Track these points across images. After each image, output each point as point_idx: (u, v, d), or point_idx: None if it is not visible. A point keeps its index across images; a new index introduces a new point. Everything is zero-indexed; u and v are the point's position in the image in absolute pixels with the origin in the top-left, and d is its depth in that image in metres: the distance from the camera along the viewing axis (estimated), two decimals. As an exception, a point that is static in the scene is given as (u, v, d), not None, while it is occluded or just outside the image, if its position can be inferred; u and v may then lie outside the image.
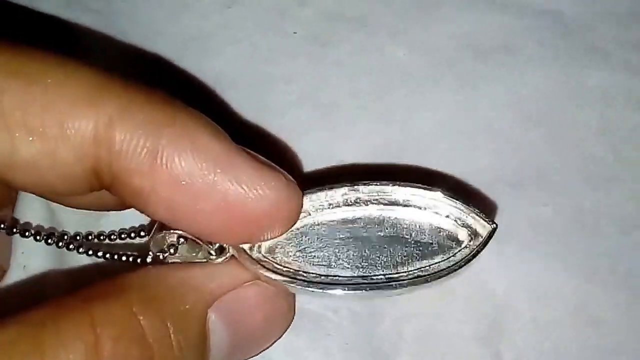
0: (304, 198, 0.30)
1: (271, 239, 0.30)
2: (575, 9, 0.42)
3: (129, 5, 0.40)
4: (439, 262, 0.30)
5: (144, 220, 0.33)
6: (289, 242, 0.30)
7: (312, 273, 0.30)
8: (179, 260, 0.30)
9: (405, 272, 0.30)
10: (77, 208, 0.32)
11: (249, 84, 0.40)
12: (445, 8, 0.41)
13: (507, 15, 0.42)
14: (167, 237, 0.29)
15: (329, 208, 0.31)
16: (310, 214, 0.31)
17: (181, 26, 0.40)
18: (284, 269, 0.30)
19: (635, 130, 0.41)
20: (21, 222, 0.35)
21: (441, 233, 0.31)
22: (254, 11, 0.41)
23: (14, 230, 0.31)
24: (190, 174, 0.26)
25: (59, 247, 0.31)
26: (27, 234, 0.31)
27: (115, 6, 0.40)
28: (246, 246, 0.29)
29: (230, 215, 0.27)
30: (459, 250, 0.31)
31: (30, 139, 0.25)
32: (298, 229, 0.30)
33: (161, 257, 0.29)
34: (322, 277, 0.30)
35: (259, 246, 0.30)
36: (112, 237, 0.32)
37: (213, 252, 0.29)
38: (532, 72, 0.41)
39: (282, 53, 0.40)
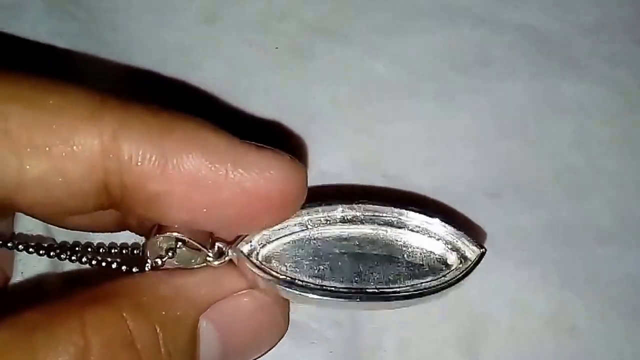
0: (303, 211, 0.30)
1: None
2: (550, 24, 0.43)
3: (110, 17, 0.40)
4: (429, 281, 0.31)
5: (138, 239, 0.33)
6: (285, 252, 0.30)
7: (308, 282, 0.30)
8: (175, 265, 0.29)
9: (398, 287, 0.30)
10: (76, 229, 0.32)
11: (229, 97, 0.40)
12: (423, 22, 0.42)
13: (483, 28, 0.42)
14: (164, 241, 0.29)
15: (325, 224, 0.31)
16: (307, 228, 0.31)
17: (162, 40, 0.40)
18: (281, 275, 0.30)
19: (611, 141, 0.42)
20: (16, 232, 0.35)
21: (432, 255, 0.31)
22: (235, 25, 0.41)
23: (10, 244, 0.31)
24: (203, 170, 0.27)
25: (53, 257, 0.31)
26: (20, 247, 0.31)
27: (96, 16, 0.40)
28: (246, 250, 0.30)
29: (247, 201, 0.28)
30: (449, 272, 0.31)
31: (38, 157, 0.26)
32: (295, 241, 0.31)
33: (159, 262, 0.29)
34: (318, 287, 0.30)
35: (257, 254, 0.30)
36: (112, 250, 0.32)
37: (211, 256, 0.30)
38: (508, 84, 0.42)
39: (263, 66, 0.41)
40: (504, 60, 0.42)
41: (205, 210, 0.28)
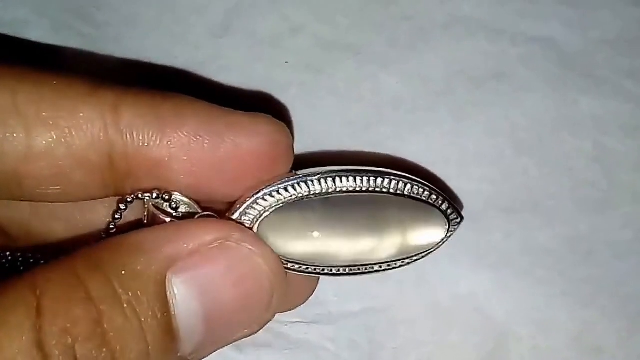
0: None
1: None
2: (568, 36, 0.42)
3: (118, 33, 0.40)
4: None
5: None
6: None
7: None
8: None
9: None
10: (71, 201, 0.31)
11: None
12: (439, 36, 0.41)
13: (500, 42, 0.42)
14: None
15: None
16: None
17: (171, 55, 0.40)
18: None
19: (629, 156, 0.41)
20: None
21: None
22: (247, 41, 0.40)
23: None
24: (200, 132, 0.29)
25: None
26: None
27: (104, 33, 0.40)
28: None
29: (241, 160, 0.30)
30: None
31: (45, 129, 0.27)
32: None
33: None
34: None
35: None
36: None
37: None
38: (525, 99, 0.41)
39: (274, 82, 0.40)
40: (521, 74, 0.42)
41: (204, 171, 0.29)
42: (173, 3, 0.40)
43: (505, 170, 0.40)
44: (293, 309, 0.34)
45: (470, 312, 0.38)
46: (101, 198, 0.31)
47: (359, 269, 0.32)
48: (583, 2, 0.42)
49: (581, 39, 0.42)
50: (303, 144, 0.40)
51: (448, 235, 0.32)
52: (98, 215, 0.33)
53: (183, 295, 0.27)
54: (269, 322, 0.30)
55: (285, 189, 0.30)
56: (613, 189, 0.41)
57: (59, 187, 0.29)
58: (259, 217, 0.31)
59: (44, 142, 0.28)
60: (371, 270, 0.32)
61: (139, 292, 0.26)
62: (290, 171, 0.32)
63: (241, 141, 0.30)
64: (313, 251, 0.31)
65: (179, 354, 0.27)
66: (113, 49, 0.40)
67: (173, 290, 0.27)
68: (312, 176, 0.31)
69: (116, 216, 0.31)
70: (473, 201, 0.40)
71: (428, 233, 0.32)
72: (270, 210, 0.31)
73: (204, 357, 0.29)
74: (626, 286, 0.39)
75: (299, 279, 0.32)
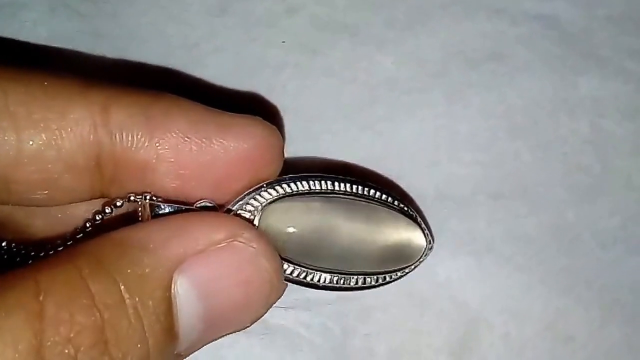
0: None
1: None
2: (572, 13, 0.41)
3: (116, 10, 0.40)
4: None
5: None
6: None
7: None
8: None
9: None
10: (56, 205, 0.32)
11: (233, 93, 0.40)
12: (437, 16, 0.41)
13: (500, 21, 0.41)
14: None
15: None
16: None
17: (166, 34, 0.40)
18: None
19: (625, 139, 0.41)
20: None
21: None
22: (243, 21, 0.40)
23: None
24: (188, 134, 0.29)
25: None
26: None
27: (101, 10, 0.40)
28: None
29: (230, 162, 0.30)
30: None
31: (36, 131, 0.27)
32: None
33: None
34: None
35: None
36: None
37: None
38: (523, 80, 0.41)
39: (269, 62, 0.40)
40: (519, 54, 0.41)
41: (191, 174, 0.29)
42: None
43: (497, 154, 0.40)
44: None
45: (445, 300, 0.38)
46: (85, 201, 0.31)
47: (342, 281, 0.33)
48: (588, -21, 0.41)
49: (585, 16, 0.41)
50: (297, 125, 0.40)
51: (420, 259, 0.34)
52: (79, 211, 0.33)
53: (187, 295, 0.27)
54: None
55: (288, 185, 0.32)
56: (606, 174, 0.40)
57: (46, 192, 0.29)
58: (260, 210, 0.31)
59: (35, 145, 0.28)
60: (350, 286, 0.33)
61: (145, 297, 0.25)
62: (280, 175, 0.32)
63: (230, 143, 0.30)
64: (311, 226, 0.32)
65: (175, 352, 0.28)
66: (110, 28, 0.40)
67: (177, 291, 0.26)
68: (313, 178, 0.32)
69: (97, 217, 0.31)
70: (461, 186, 0.40)
71: (409, 248, 0.34)
72: (270, 202, 0.31)
73: (195, 351, 0.29)
74: (605, 276, 0.39)
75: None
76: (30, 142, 0.28)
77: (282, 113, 0.40)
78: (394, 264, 0.34)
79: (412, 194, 0.40)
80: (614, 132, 0.41)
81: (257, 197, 0.31)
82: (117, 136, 0.28)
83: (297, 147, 0.40)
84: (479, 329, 0.39)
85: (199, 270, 0.27)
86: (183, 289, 0.27)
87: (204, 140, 0.29)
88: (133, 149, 0.29)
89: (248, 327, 0.30)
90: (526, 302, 0.39)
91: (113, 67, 0.39)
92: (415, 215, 0.34)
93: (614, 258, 0.40)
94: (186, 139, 0.29)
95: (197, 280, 0.27)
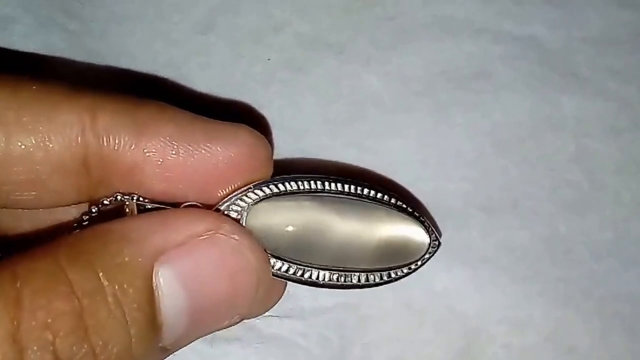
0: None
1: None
2: (551, 35, 0.42)
3: (104, 29, 0.40)
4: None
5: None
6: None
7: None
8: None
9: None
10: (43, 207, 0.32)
11: (220, 110, 0.40)
12: (421, 35, 0.41)
13: (482, 41, 0.42)
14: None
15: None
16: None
17: (154, 52, 0.40)
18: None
19: (610, 157, 0.41)
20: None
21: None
22: (229, 38, 0.40)
23: None
24: (176, 138, 0.29)
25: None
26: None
27: (89, 28, 0.40)
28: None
29: (218, 168, 0.30)
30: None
31: (24, 133, 0.28)
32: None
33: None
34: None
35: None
36: None
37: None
38: (506, 99, 0.41)
39: (255, 79, 0.40)
40: (502, 73, 0.42)
41: (178, 177, 0.30)
42: (158, 1, 0.41)
43: (485, 170, 0.41)
44: (265, 312, 0.34)
45: (443, 310, 0.38)
46: (72, 204, 0.31)
47: (343, 278, 0.32)
48: (566, 1, 0.42)
49: (564, 38, 0.42)
50: (283, 141, 0.40)
51: (427, 256, 0.34)
52: (67, 216, 0.33)
53: (169, 287, 0.27)
54: (249, 314, 0.31)
55: (276, 186, 0.31)
56: (594, 191, 0.41)
57: (34, 193, 0.29)
58: (247, 210, 0.31)
59: (23, 147, 0.28)
60: (352, 283, 0.32)
61: (125, 285, 0.25)
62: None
63: (217, 150, 0.30)
64: (303, 223, 0.32)
65: (160, 345, 0.27)
66: (98, 45, 0.40)
67: (160, 282, 0.26)
68: (302, 179, 0.32)
69: (84, 217, 0.31)
70: (452, 199, 0.40)
71: (410, 245, 0.34)
72: (257, 201, 0.31)
73: (182, 347, 0.29)
74: (602, 287, 0.39)
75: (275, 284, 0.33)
76: (19, 144, 0.28)
77: (269, 129, 0.40)
78: (393, 261, 0.33)
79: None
80: (598, 150, 0.41)
81: (244, 197, 0.31)
82: (104, 139, 0.29)
83: (282, 162, 0.39)
84: (479, 339, 0.38)
85: (181, 261, 0.27)
86: (165, 280, 0.27)
87: (191, 145, 0.29)
88: (120, 151, 0.29)
89: (237, 322, 0.30)
90: (525, 313, 0.39)
91: (102, 76, 0.39)
92: (418, 213, 0.34)
93: (608, 270, 0.40)
94: (173, 143, 0.29)
95: (179, 271, 0.27)
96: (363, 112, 0.41)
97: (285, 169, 0.33)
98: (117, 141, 0.29)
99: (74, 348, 0.24)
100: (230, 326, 0.30)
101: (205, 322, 0.29)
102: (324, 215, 0.32)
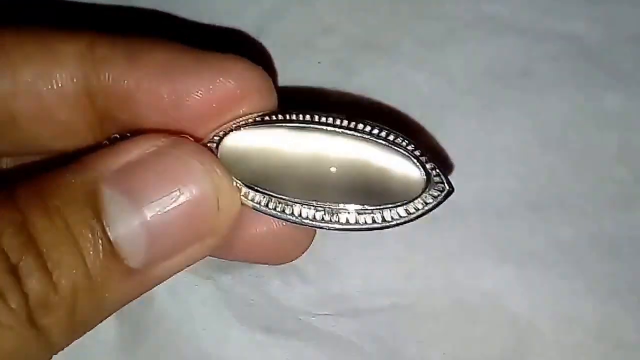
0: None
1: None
2: (594, 33, 0.42)
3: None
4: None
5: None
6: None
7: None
8: None
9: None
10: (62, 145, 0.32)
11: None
12: (466, 34, 0.42)
13: (526, 39, 0.42)
14: None
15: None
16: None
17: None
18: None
19: (655, 152, 0.41)
20: None
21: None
22: (281, 41, 0.41)
23: None
24: (168, 65, 0.29)
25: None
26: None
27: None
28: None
29: (211, 96, 0.30)
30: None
31: (29, 64, 0.29)
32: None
33: None
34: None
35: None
36: None
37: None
38: (551, 96, 0.42)
39: (306, 81, 0.41)
40: (547, 71, 0.42)
41: (172, 108, 0.29)
42: (210, 6, 0.42)
43: (531, 167, 0.41)
44: (289, 261, 0.34)
45: (494, 308, 0.38)
46: (89, 143, 0.32)
47: (325, 215, 0.30)
48: (607, -2, 0.42)
49: (607, 35, 0.43)
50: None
51: (429, 199, 0.30)
52: None
53: (117, 204, 0.27)
54: (222, 238, 0.29)
55: (262, 118, 0.30)
56: (639, 186, 0.41)
57: (47, 130, 0.31)
58: (221, 136, 0.30)
59: (29, 79, 0.29)
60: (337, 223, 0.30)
61: (67, 200, 0.26)
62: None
63: (208, 78, 0.29)
64: (281, 155, 0.30)
65: (126, 264, 0.27)
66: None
67: (107, 200, 0.27)
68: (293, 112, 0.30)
69: None
70: (500, 197, 0.41)
71: (401, 188, 0.30)
72: (235, 129, 0.30)
73: (160, 277, 0.29)
74: (650, 282, 0.39)
75: (295, 231, 0.32)
76: (25, 76, 0.29)
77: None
78: (385, 200, 0.30)
79: (452, 205, 0.40)
80: (642, 145, 0.42)
81: (232, 129, 0.30)
82: (101, 68, 0.30)
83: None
84: (530, 336, 0.38)
85: (124, 178, 0.27)
86: (112, 198, 0.27)
87: (182, 72, 0.29)
88: (115, 81, 0.30)
89: (209, 249, 0.30)
90: (574, 309, 0.39)
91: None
92: (416, 150, 0.30)
93: (655, 265, 0.40)
94: (164, 72, 0.29)
95: (124, 188, 0.27)
96: (409, 112, 0.41)
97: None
98: (112, 70, 0.30)
99: (21, 248, 0.25)
100: (207, 253, 0.30)
101: (167, 239, 0.28)
102: (308, 148, 0.30)
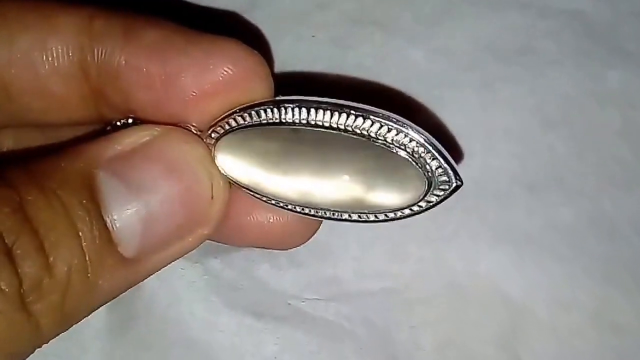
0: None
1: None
2: (597, 9, 0.42)
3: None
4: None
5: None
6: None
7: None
8: None
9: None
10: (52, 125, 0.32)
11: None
12: (467, 10, 0.41)
13: (528, 16, 0.41)
14: None
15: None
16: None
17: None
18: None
19: (657, 131, 0.41)
20: None
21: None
22: (273, 15, 0.40)
23: None
24: (158, 45, 0.29)
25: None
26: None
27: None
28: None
29: (201, 77, 0.29)
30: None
31: (26, 32, 0.29)
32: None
33: None
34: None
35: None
36: None
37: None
38: (552, 73, 0.41)
39: (301, 56, 0.40)
40: (548, 48, 0.41)
41: (163, 89, 0.29)
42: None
43: (531, 146, 0.40)
44: (292, 248, 0.33)
45: (488, 291, 0.38)
46: (86, 123, 0.32)
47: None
48: (613, -26, 0.41)
49: (609, 12, 0.42)
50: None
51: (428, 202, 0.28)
52: None
53: (113, 190, 0.27)
54: (214, 227, 0.29)
55: (257, 113, 0.28)
56: (639, 165, 0.40)
57: (41, 99, 0.30)
58: (222, 136, 0.29)
59: (24, 44, 0.29)
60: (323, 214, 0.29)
61: (63, 183, 0.26)
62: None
63: (199, 60, 0.28)
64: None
65: (120, 252, 0.27)
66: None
67: (103, 186, 0.27)
68: (288, 103, 0.28)
69: None
70: (498, 178, 0.40)
71: (397, 195, 0.28)
72: (234, 130, 0.29)
73: (153, 266, 0.29)
74: (646, 265, 0.39)
75: (299, 219, 0.31)
76: (21, 44, 0.29)
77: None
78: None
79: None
80: (645, 124, 0.41)
81: (229, 121, 0.29)
82: (97, 42, 0.29)
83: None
84: (525, 319, 0.38)
85: (120, 164, 0.28)
86: (108, 183, 0.27)
87: (173, 53, 0.29)
88: (108, 55, 0.29)
89: (201, 239, 0.29)
90: (570, 292, 0.39)
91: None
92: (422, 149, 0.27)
93: (654, 247, 0.39)
94: (157, 50, 0.29)
95: (120, 174, 0.27)
96: (408, 89, 0.40)
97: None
98: (107, 47, 0.29)
99: (16, 228, 0.25)
100: (199, 243, 0.29)
101: (161, 228, 0.28)
102: (307, 150, 0.29)
